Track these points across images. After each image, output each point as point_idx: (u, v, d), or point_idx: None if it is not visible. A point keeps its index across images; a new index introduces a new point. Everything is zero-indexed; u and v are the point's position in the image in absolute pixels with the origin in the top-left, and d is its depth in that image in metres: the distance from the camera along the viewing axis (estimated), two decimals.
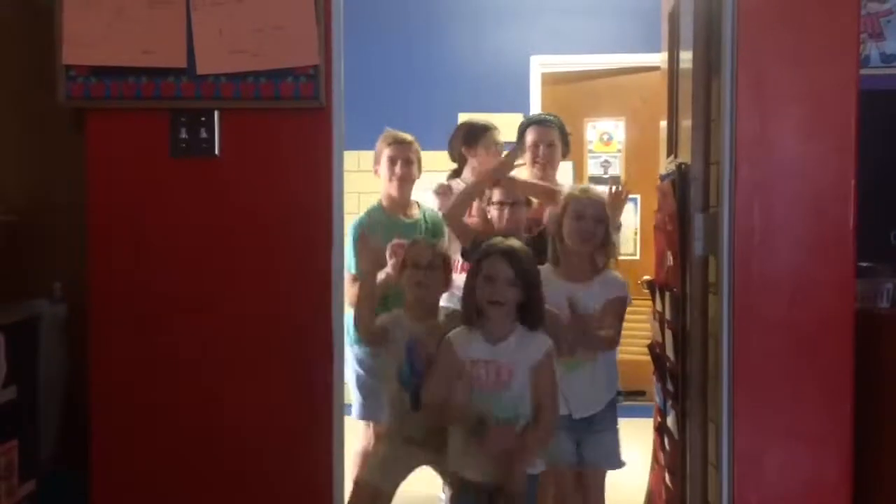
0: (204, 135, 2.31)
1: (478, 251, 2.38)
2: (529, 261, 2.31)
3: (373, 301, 2.64)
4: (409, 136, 3.27)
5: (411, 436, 2.56)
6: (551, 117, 3.41)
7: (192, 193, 2.34)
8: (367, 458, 2.70)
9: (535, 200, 3.09)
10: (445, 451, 2.46)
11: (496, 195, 3.02)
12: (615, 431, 2.68)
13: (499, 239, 2.40)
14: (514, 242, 2.36)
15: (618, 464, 2.69)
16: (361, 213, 3.26)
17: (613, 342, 2.60)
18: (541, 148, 3.23)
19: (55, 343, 2.43)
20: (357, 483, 2.60)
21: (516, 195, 3.02)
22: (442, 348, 2.34)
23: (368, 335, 2.65)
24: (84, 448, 2.32)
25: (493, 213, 3.04)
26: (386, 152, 3.23)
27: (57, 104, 2.30)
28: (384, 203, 3.26)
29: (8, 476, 2.20)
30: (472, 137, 3.44)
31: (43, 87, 2.32)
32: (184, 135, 2.31)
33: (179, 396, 2.33)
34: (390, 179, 3.22)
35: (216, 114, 2.30)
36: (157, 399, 2.34)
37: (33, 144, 2.56)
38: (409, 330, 2.58)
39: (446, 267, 2.70)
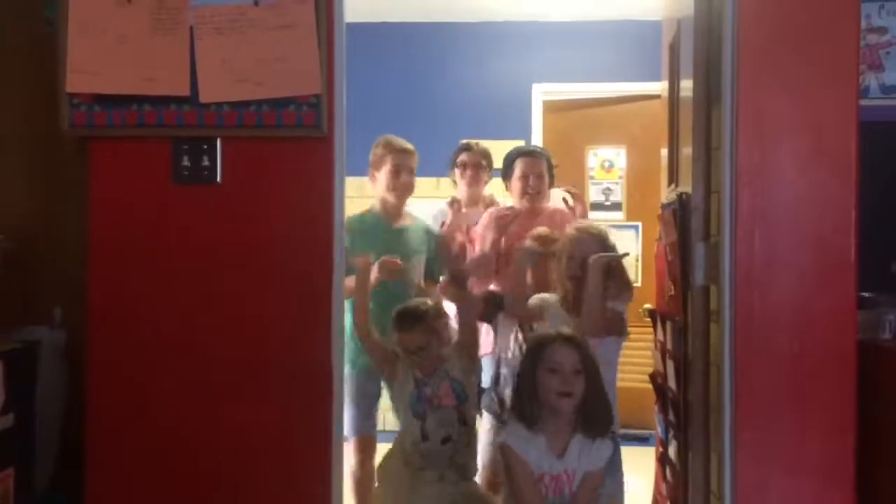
0: (206, 162, 2.31)
1: (532, 341, 2.23)
2: (591, 349, 2.15)
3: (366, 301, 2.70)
4: (410, 145, 3.28)
5: (422, 468, 2.58)
6: (539, 149, 3.48)
7: (193, 221, 2.34)
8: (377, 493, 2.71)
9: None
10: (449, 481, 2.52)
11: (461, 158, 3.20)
12: (618, 482, 2.64)
13: (553, 330, 2.26)
14: (572, 332, 2.21)
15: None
16: (354, 214, 3.23)
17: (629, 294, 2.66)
18: (530, 179, 3.25)
19: (53, 369, 2.42)
20: None
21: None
22: (508, 459, 2.14)
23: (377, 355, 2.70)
24: (80, 474, 2.30)
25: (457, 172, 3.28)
26: (390, 160, 3.21)
27: (60, 132, 2.31)
28: (378, 207, 3.26)
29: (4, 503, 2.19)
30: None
31: (46, 114, 2.33)
32: (186, 162, 2.32)
33: (177, 422, 2.32)
34: (393, 189, 3.20)
35: (218, 141, 2.31)
36: (154, 424, 2.32)
37: (36, 171, 2.57)
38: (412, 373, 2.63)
39: (441, 332, 2.64)
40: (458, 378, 2.62)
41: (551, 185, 3.43)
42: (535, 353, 2.12)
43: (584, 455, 2.15)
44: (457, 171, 3.54)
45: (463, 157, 3.52)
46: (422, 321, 2.61)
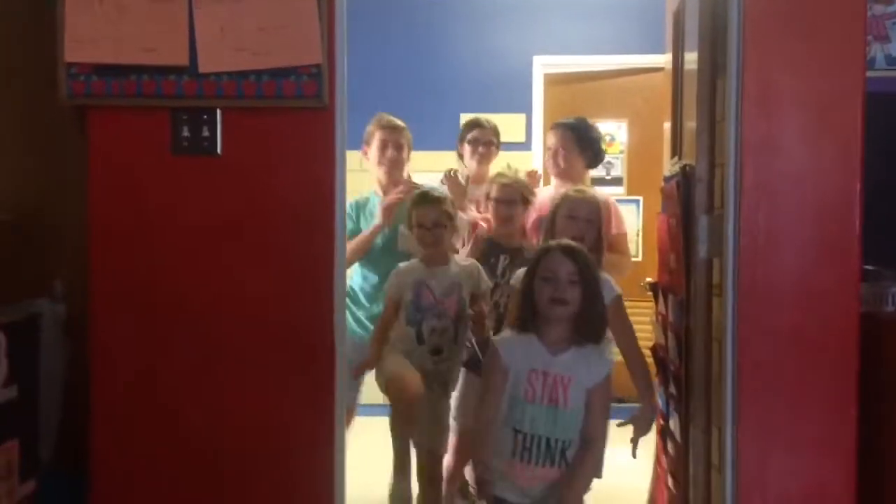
0: (206, 133, 2.30)
1: (537, 251, 2.28)
2: (589, 260, 2.16)
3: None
4: (400, 122, 3.33)
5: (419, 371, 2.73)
6: (571, 120, 3.46)
7: (193, 192, 2.32)
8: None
9: (530, 198, 3.15)
10: (431, 391, 2.71)
11: (493, 193, 3.06)
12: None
13: (554, 241, 2.31)
14: (574, 242, 2.24)
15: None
16: (362, 195, 3.34)
17: (639, 352, 2.70)
18: (551, 151, 3.34)
19: (55, 342, 2.42)
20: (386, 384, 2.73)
21: (513, 194, 3.07)
22: (489, 359, 2.19)
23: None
24: (83, 447, 2.31)
25: (491, 210, 3.13)
26: (378, 136, 3.28)
27: (58, 102, 2.29)
28: (378, 186, 3.34)
29: (8, 476, 2.19)
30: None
31: (44, 84, 2.30)
32: (185, 133, 2.30)
33: (180, 397, 2.32)
34: (380, 163, 3.27)
35: (218, 112, 2.29)
36: (157, 399, 2.32)
37: (35, 143, 2.55)
38: (418, 272, 2.81)
39: (452, 224, 2.84)
40: (465, 297, 2.80)
41: (591, 162, 3.47)
42: (534, 264, 2.14)
43: (580, 363, 2.12)
44: (466, 147, 3.52)
45: (475, 133, 3.52)
46: (438, 202, 2.84)
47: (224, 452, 2.32)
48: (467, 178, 3.45)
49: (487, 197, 3.16)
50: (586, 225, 2.63)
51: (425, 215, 2.80)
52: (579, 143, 3.34)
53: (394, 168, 3.29)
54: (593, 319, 2.13)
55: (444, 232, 2.80)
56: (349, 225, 3.15)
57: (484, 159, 3.51)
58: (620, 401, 2.80)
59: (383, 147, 3.27)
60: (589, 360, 2.15)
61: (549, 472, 2.12)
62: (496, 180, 3.16)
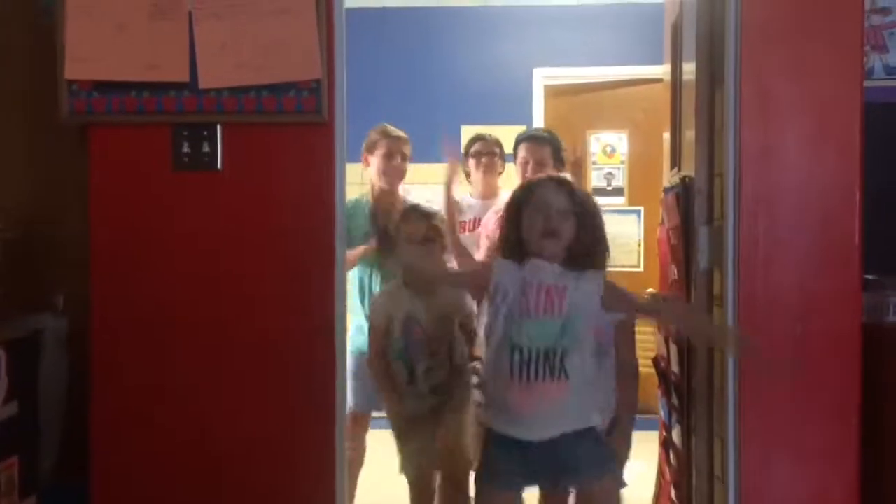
0: (206, 149, 2.30)
1: (523, 184, 2.11)
2: (586, 194, 2.04)
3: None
4: (403, 133, 3.32)
5: (414, 414, 2.61)
6: (544, 134, 3.45)
7: (194, 207, 2.33)
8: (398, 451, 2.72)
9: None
10: (439, 424, 2.58)
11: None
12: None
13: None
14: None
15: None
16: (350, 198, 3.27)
17: (636, 366, 2.57)
18: (531, 165, 3.23)
19: (56, 357, 2.42)
20: (411, 485, 2.65)
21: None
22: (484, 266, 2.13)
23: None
24: (84, 461, 2.31)
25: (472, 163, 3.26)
26: (383, 145, 3.26)
27: (59, 119, 2.30)
28: (372, 191, 3.30)
29: (9, 492, 2.19)
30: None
31: (46, 101, 2.31)
32: (186, 149, 2.30)
33: (180, 410, 2.32)
34: (385, 173, 3.25)
35: (218, 128, 2.30)
36: (158, 412, 2.32)
37: (37, 159, 2.56)
38: (407, 304, 2.62)
39: (442, 241, 2.72)
40: (456, 327, 2.65)
41: (560, 170, 3.41)
42: (523, 195, 2.00)
43: (570, 275, 1.97)
44: (471, 162, 3.54)
45: (477, 146, 3.54)
46: (427, 217, 2.70)
47: (225, 464, 2.32)
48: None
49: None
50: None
51: (414, 230, 2.65)
52: (553, 156, 3.33)
53: (396, 178, 3.29)
54: (589, 247, 1.98)
55: (434, 248, 2.65)
56: None
57: (489, 170, 3.51)
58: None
59: (389, 156, 3.25)
60: (584, 278, 2.01)
61: (550, 386, 1.97)
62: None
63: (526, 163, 3.25)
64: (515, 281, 1.98)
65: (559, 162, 3.36)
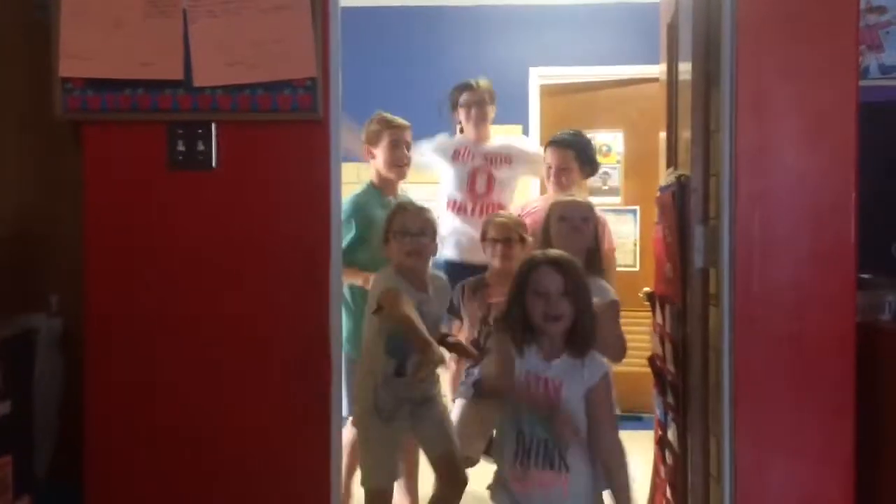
0: (201, 147, 2.30)
1: (523, 264, 2.19)
2: (579, 272, 2.12)
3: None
4: (402, 119, 3.29)
5: (385, 410, 2.60)
6: (568, 137, 3.41)
7: (189, 206, 2.32)
8: (360, 462, 2.70)
9: (528, 238, 3.10)
10: (420, 418, 2.60)
11: (490, 232, 3.06)
12: None
13: (540, 251, 2.25)
14: (562, 253, 2.19)
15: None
16: (356, 191, 3.26)
17: (622, 351, 2.61)
18: (553, 170, 3.29)
19: (50, 356, 2.41)
20: (369, 492, 2.61)
21: (510, 233, 3.06)
22: (498, 341, 2.16)
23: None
24: (79, 461, 2.30)
25: (487, 250, 3.08)
26: (387, 135, 3.21)
27: (54, 117, 2.29)
28: (375, 182, 3.27)
29: (3, 492, 2.18)
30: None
31: (39, 99, 2.31)
32: (181, 147, 2.30)
33: (175, 410, 2.31)
34: (392, 163, 3.21)
35: (213, 126, 2.30)
36: (152, 412, 2.32)
37: (30, 158, 2.55)
38: (411, 295, 2.59)
39: (434, 234, 2.70)
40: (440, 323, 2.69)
41: (589, 174, 3.39)
42: (524, 278, 2.09)
43: (570, 369, 2.09)
44: (461, 112, 3.48)
45: (465, 96, 3.46)
46: (422, 210, 2.70)
47: (220, 464, 2.31)
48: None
49: (484, 238, 3.16)
50: (582, 223, 2.62)
51: (411, 221, 2.61)
52: (578, 159, 3.35)
53: (404, 168, 3.24)
54: (585, 331, 2.10)
55: (428, 243, 2.63)
56: (349, 234, 3.11)
57: (480, 120, 3.45)
58: (630, 411, 2.80)
59: (394, 146, 3.18)
60: (580, 366, 2.11)
61: (548, 476, 2.07)
62: (492, 220, 3.16)
63: (550, 168, 3.28)
64: (520, 368, 2.08)
65: (587, 164, 3.34)
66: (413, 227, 2.61)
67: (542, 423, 2.06)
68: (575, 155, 3.32)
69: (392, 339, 2.61)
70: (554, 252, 2.20)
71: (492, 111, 3.51)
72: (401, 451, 2.73)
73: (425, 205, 2.85)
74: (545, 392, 2.06)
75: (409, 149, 3.27)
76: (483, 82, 3.53)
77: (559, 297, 2.05)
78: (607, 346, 2.49)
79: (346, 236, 3.11)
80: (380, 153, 3.22)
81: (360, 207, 3.19)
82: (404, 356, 2.60)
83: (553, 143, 3.40)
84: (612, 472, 2.10)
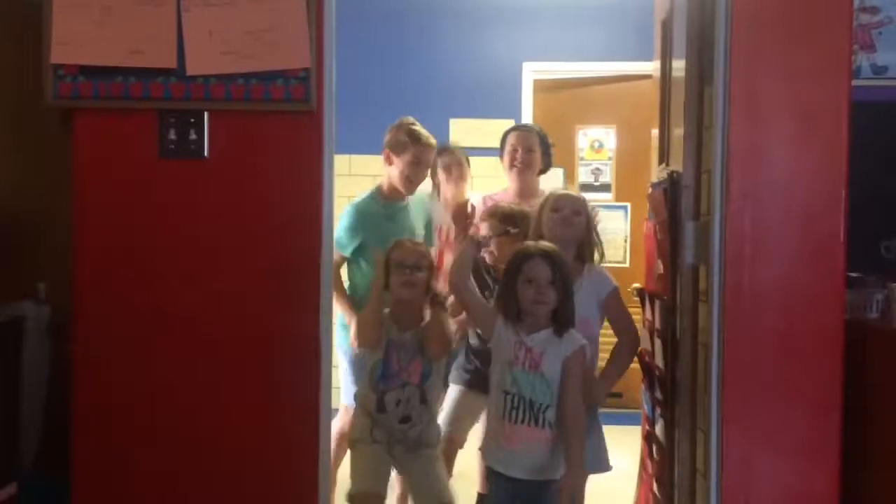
0: (193, 136, 2.29)
1: (517, 254, 2.42)
2: (565, 263, 2.40)
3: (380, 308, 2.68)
4: (433, 139, 3.27)
5: (377, 440, 2.61)
6: (532, 125, 3.51)
7: (180, 195, 2.31)
8: (351, 474, 2.69)
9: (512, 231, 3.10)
10: (407, 460, 2.61)
11: (483, 229, 3.06)
12: (599, 437, 2.66)
13: (532, 243, 2.46)
14: (551, 245, 2.43)
15: (605, 467, 2.67)
16: (361, 197, 3.26)
17: (637, 340, 2.73)
18: (519, 152, 3.29)
19: (39, 344, 2.40)
20: (351, 498, 2.58)
21: (503, 228, 3.04)
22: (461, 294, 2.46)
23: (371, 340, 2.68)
24: (65, 450, 2.29)
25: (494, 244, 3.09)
26: (412, 151, 3.21)
27: (44, 103, 2.28)
28: (384, 189, 3.26)
29: None
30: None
31: (31, 86, 2.29)
32: (172, 136, 2.29)
33: (163, 399, 2.31)
34: (409, 179, 3.21)
35: (206, 115, 2.29)
36: (140, 401, 2.31)
37: (20, 144, 2.53)
38: (393, 334, 2.63)
39: (430, 269, 2.71)
40: (429, 359, 2.64)
41: (548, 164, 3.43)
42: (517, 266, 2.36)
43: (552, 345, 2.34)
44: (440, 174, 3.48)
45: (445, 159, 3.48)
46: (418, 245, 2.78)
47: (207, 455, 2.31)
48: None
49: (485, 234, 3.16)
50: (573, 216, 2.64)
51: (408, 254, 2.66)
52: (541, 145, 3.38)
53: (417, 185, 3.27)
54: (566, 314, 2.36)
55: (423, 277, 2.65)
56: (350, 241, 3.12)
57: (459, 181, 3.50)
58: (619, 396, 2.85)
59: (416, 164, 3.20)
60: (558, 341, 2.36)
61: (533, 431, 2.31)
62: (494, 213, 3.16)
63: (515, 150, 3.30)
64: (510, 336, 2.37)
65: (546, 154, 3.38)
66: (409, 260, 2.65)
67: (526, 384, 2.32)
68: (539, 140, 3.35)
69: (373, 373, 2.63)
70: (544, 244, 2.43)
71: (468, 172, 3.54)
72: (389, 470, 2.69)
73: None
74: (531, 357, 2.34)
75: (427, 167, 3.28)
76: (457, 145, 3.62)
77: (547, 285, 2.31)
78: (622, 331, 2.67)
79: (351, 245, 3.14)
80: (400, 164, 3.22)
81: (365, 216, 3.19)
82: (383, 391, 2.60)
83: (518, 128, 3.45)
84: (567, 433, 2.31)
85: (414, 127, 3.24)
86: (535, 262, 2.32)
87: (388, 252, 2.71)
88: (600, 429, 2.68)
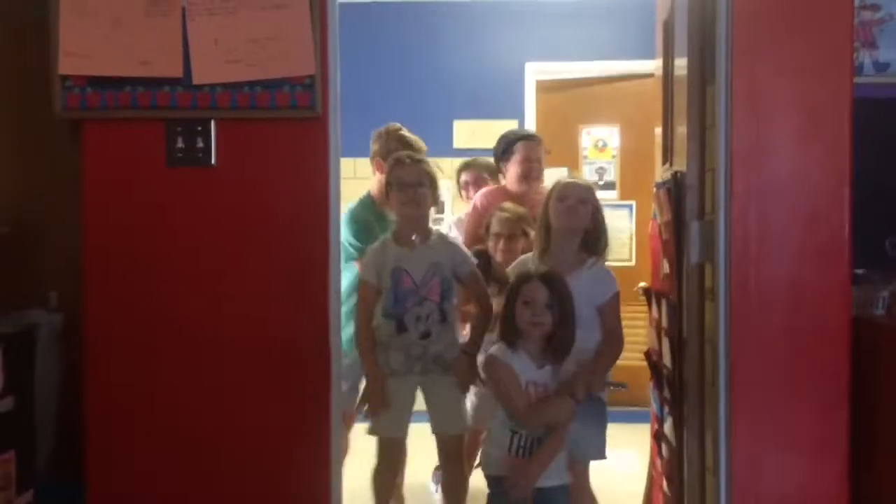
0: (200, 144, 2.31)
1: (517, 277, 2.47)
2: (564, 287, 2.42)
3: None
4: (422, 143, 3.27)
5: (397, 370, 2.63)
6: (537, 135, 3.64)
7: (188, 203, 2.34)
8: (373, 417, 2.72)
9: (530, 232, 3.11)
10: (426, 382, 2.64)
11: (494, 226, 3.09)
12: (601, 426, 2.67)
13: (534, 266, 2.52)
14: (551, 270, 2.45)
15: (599, 455, 2.68)
16: (354, 203, 3.25)
17: (621, 346, 2.67)
18: (532, 164, 3.40)
19: (51, 352, 2.42)
20: (379, 442, 2.66)
21: (513, 228, 3.13)
22: (495, 367, 2.40)
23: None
24: (79, 456, 2.31)
25: (490, 244, 3.15)
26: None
27: (53, 114, 2.30)
28: (374, 195, 3.26)
29: (6, 487, 2.20)
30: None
31: (40, 97, 2.31)
32: (180, 144, 2.31)
33: (175, 405, 2.33)
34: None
35: (212, 123, 2.31)
36: (152, 407, 2.33)
37: (30, 155, 2.56)
38: (394, 257, 2.65)
39: (434, 185, 2.72)
40: (448, 276, 2.68)
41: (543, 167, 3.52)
42: (516, 288, 2.41)
43: (554, 375, 2.40)
44: (462, 192, 3.63)
45: (465, 176, 3.63)
46: (419, 161, 2.75)
47: (220, 460, 2.33)
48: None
49: (487, 230, 3.19)
50: (579, 204, 2.64)
51: (408, 173, 2.66)
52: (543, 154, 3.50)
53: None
54: (564, 339, 2.39)
55: (427, 193, 2.67)
56: (353, 248, 3.13)
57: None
58: (622, 384, 2.86)
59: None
60: (559, 372, 2.42)
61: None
62: (497, 214, 3.19)
63: (528, 161, 3.39)
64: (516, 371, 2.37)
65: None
66: (409, 178, 2.66)
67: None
68: (542, 151, 3.47)
69: (387, 299, 2.63)
70: (543, 268, 2.47)
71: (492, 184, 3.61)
72: (412, 406, 2.72)
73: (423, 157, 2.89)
74: (538, 395, 2.36)
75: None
76: (481, 160, 3.68)
77: (544, 308, 2.35)
78: (610, 333, 2.62)
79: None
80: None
81: (358, 221, 3.20)
82: (401, 312, 2.62)
83: (530, 137, 3.54)
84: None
85: (402, 133, 3.23)
86: (534, 285, 2.37)
87: (390, 169, 2.72)
88: (605, 418, 2.69)
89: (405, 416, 2.68)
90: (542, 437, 2.33)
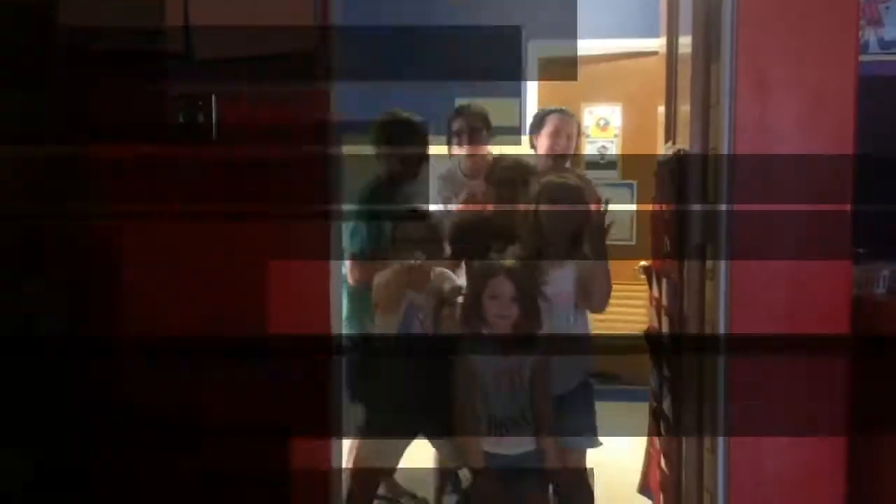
0: (201, 119, 2.30)
1: (482, 270, 2.55)
2: (531, 281, 2.52)
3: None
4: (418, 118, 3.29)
5: (399, 402, 2.65)
6: (568, 109, 3.54)
7: (188, 179, 2.32)
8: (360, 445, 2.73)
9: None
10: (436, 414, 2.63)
11: (498, 175, 3.08)
12: (591, 414, 2.68)
13: (489, 263, 2.58)
14: (516, 263, 2.53)
15: (593, 443, 2.69)
16: (363, 188, 3.23)
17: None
18: (562, 137, 3.36)
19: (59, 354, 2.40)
20: (354, 469, 2.63)
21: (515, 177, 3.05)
22: (460, 371, 2.51)
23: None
24: (81, 458, 2.30)
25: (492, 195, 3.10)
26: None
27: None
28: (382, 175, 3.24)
29: None
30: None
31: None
32: (181, 119, 2.30)
33: (175, 401, 2.32)
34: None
35: (213, 98, 2.29)
36: (155, 403, 2.32)
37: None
38: (407, 296, 2.69)
39: (440, 244, 2.75)
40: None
41: (486, 139, 3.39)
42: (482, 282, 2.51)
43: (526, 361, 2.51)
44: (453, 139, 3.37)
45: (456, 124, 3.33)
46: (426, 218, 2.83)
47: (222, 456, 2.32)
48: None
49: (489, 180, 3.14)
50: (569, 209, 2.64)
51: (413, 230, 2.72)
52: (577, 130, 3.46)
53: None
54: (529, 328, 2.49)
55: (433, 247, 2.72)
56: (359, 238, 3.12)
57: (473, 149, 3.32)
58: (616, 377, 2.88)
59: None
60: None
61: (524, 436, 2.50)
62: (497, 164, 3.16)
63: (557, 133, 3.34)
64: (487, 362, 2.50)
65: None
66: (414, 236, 2.72)
67: (511, 401, 2.47)
68: (577, 128, 3.45)
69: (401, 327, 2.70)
70: (509, 262, 2.54)
71: (486, 139, 3.38)
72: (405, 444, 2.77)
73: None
74: (511, 381, 2.49)
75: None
76: (476, 107, 3.42)
77: (510, 301, 2.46)
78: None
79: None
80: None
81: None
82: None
83: (560, 111, 3.46)
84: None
85: (403, 115, 3.22)
86: (499, 280, 2.46)
87: (396, 229, 2.77)
88: (593, 405, 2.71)
89: (398, 452, 2.78)
90: (522, 414, 2.46)
